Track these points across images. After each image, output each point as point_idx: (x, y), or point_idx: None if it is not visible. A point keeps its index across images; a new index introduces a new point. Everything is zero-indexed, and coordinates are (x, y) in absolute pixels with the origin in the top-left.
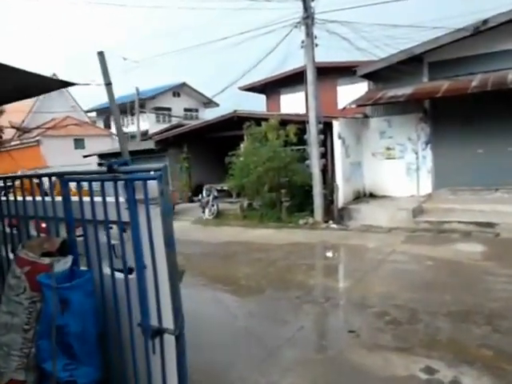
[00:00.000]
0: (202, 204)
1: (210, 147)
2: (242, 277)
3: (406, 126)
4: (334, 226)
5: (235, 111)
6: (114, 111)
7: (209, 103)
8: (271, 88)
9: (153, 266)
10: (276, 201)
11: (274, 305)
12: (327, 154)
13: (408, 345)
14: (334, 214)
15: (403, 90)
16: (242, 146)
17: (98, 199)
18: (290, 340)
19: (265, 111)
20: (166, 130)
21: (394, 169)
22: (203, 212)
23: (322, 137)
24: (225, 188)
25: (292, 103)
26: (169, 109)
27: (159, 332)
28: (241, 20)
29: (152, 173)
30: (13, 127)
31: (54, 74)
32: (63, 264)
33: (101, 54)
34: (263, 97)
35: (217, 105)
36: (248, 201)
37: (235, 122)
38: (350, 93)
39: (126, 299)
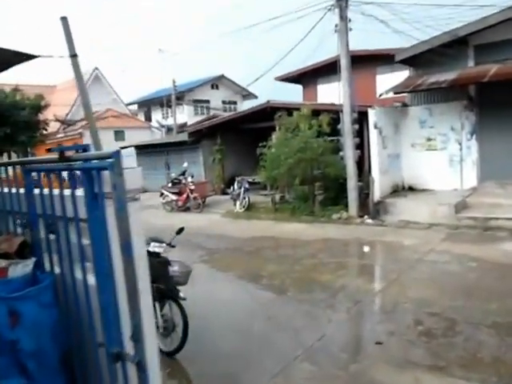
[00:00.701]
0: (233, 196)
1: (244, 139)
2: (266, 275)
3: (448, 114)
4: (369, 221)
5: (268, 101)
6: (80, 87)
7: (247, 95)
8: (308, 78)
9: (109, 276)
10: (309, 194)
11: (296, 308)
12: (364, 145)
13: (443, 362)
14: (370, 209)
15: (446, 76)
16: (273, 136)
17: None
18: (309, 350)
19: (300, 101)
20: (202, 121)
21: (436, 161)
22: (234, 205)
23: (356, 126)
24: (257, 180)
25: (329, 93)
26: (207, 101)
27: (119, 357)
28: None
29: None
30: (57, 120)
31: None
32: (22, 268)
33: (64, 20)
34: (300, 87)
35: (255, 97)
36: (280, 193)
37: (269, 113)
38: (389, 82)
39: (87, 312)
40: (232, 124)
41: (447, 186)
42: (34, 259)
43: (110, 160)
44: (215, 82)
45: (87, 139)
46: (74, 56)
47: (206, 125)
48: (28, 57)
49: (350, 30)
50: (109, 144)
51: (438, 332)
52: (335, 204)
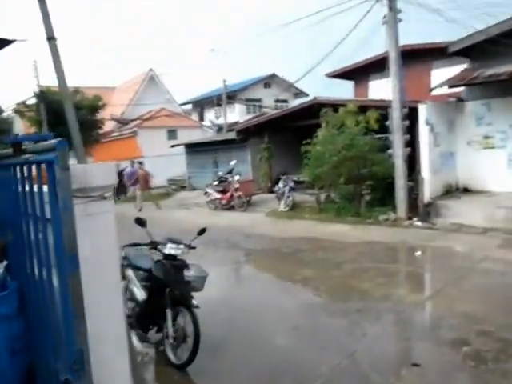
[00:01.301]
0: (278, 195)
1: (292, 137)
2: (300, 280)
3: (509, 110)
4: (419, 223)
5: (315, 98)
6: (57, 71)
7: (299, 94)
8: (359, 74)
9: (63, 291)
10: (354, 193)
11: (328, 319)
12: (416, 144)
13: None
14: (419, 210)
15: (506, 68)
16: (319, 133)
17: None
18: (335, 370)
19: (349, 98)
20: (251, 119)
21: (494, 160)
22: (279, 204)
23: (406, 123)
24: (302, 179)
25: (381, 89)
26: (259, 100)
27: None
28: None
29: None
30: (113, 119)
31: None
32: None
33: (42, 2)
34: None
35: (307, 95)
36: (326, 193)
37: (316, 110)
38: (446, 77)
39: (43, 329)
40: (279, 122)
41: (506, 188)
42: (5, 263)
43: (53, 153)
44: (268, 81)
45: (141, 137)
46: (51, 39)
47: (253, 122)
48: (4, 42)
49: (400, 20)
50: (162, 144)
51: (487, 355)
52: (382, 205)
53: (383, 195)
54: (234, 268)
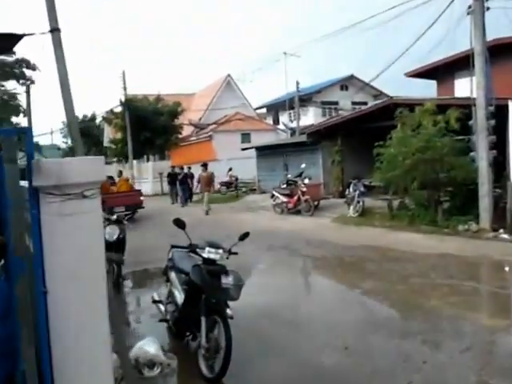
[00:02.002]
0: (348, 200)
1: (366, 139)
2: (359, 292)
3: None
4: (506, 236)
5: (391, 98)
6: (58, 64)
7: (379, 95)
8: (442, 72)
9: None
10: (430, 200)
11: (385, 339)
12: (506, 146)
13: None
14: (507, 221)
15: None
16: (393, 135)
17: None
18: None
19: (426, 97)
20: (324, 122)
21: None
22: (348, 209)
23: (492, 122)
24: (374, 183)
25: (469, 88)
26: (336, 102)
27: None
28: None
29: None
30: (191, 124)
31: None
32: None
33: None
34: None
35: (388, 96)
36: (399, 199)
37: (392, 111)
38: None
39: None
40: (353, 124)
41: None
42: (2, 262)
43: None
44: (344, 83)
45: (216, 141)
46: (55, 30)
47: (325, 125)
48: (15, 38)
49: (487, 9)
50: (236, 147)
51: None
52: (463, 213)
53: (464, 203)
54: (288, 275)
